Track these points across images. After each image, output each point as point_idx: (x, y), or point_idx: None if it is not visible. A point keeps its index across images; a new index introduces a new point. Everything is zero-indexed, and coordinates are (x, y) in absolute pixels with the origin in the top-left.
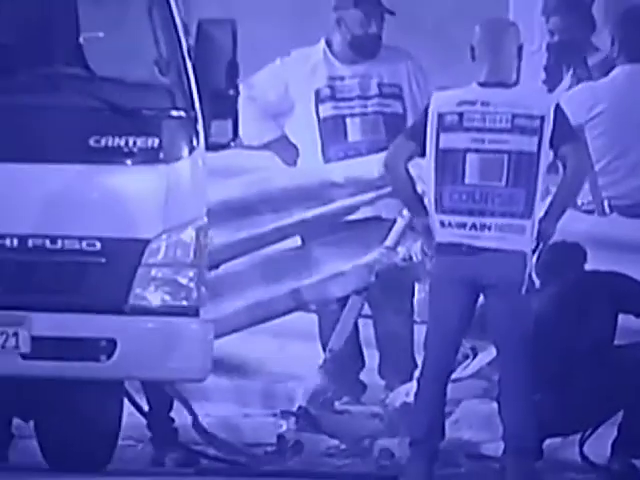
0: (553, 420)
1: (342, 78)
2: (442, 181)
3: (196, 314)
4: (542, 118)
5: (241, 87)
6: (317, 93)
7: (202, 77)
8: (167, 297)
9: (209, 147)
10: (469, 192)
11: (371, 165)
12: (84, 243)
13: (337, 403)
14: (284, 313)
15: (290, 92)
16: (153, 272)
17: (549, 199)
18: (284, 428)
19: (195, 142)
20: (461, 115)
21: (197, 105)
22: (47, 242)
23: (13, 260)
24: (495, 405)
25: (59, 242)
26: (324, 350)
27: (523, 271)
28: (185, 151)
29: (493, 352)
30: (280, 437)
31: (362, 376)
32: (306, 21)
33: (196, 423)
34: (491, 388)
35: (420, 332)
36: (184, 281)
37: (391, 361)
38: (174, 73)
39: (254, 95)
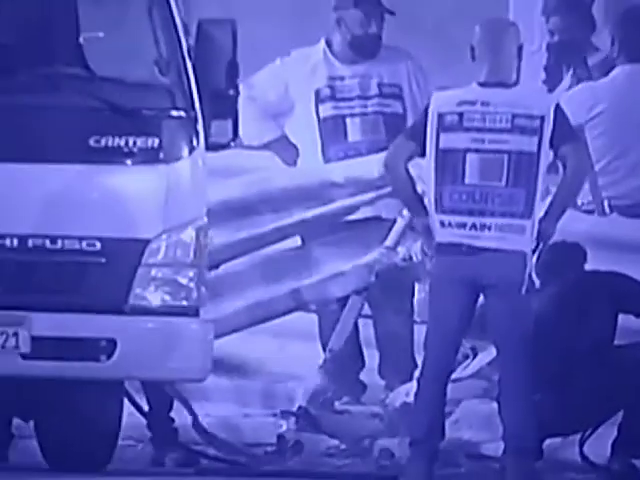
0: (553, 420)
1: (342, 78)
2: (442, 181)
3: (196, 314)
4: (542, 118)
5: (241, 87)
6: (317, 93)
7: (202, 77)
8: (167, 297)
9: (209, 147)
10: (469, 192)
11: (371, 165)
12: (84, 243)
13: (337, 403)
14: (284, 313)
15: (290, 92)
16: (153, 272)
17: (549, 199)
18: (284, 428)
19: (195, 142)
20: (461, 115)
21: (197, 105)
22: (47, 242)
23: (13, 260)
24: (495, 405)
25: (59, 242)
26: (324, 350)
27: (523, 271)
28: (185, 151)
29: (493, 352)
30: (280, 437)
31: (362, 376)
32: (306, 21)
33: (196, 423)
34: (491, 388)
35: (420, 332)
36: (184, 281)
37: (391, 361)
38: (174, 73)
39: (254, 95)
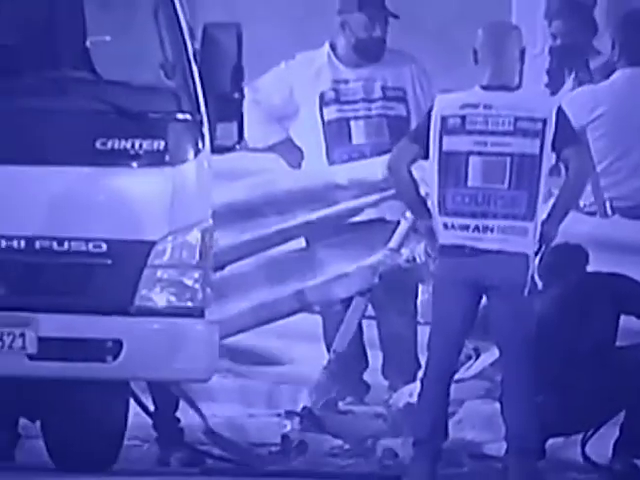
0: (555, 420)
1: (346, 81)
2: (445, 183)
3: (201, 315)
4: (544, 121)
5: (246, 90)
6: (321, 96)
7: (207, 80)
8: (172, 298)
9: (214, 150)
10: (472, 194)
11: (375, 167)
12: (90, 245)
13: (341, 403)
14: (288, 314)
15: (295, 95)
16: (159, 273)
17: (551, 201)
18: (288, 428)
19: (201, 145)
20: (464, 118)
21: (203, 108)
22: (54, 244)
23: (20, 262)
24: (498, 405)
25: (66, 244)
26: (328, 351)
27: (525, 273)
28: (191, 154)
29: (496, 353)
30: (284, 437)
31: (366, 377)
32: (310, 25)
33: (204, 424)
34: (494, 388)
35: (423, 333)
36: (189, 282)
37: (395, 362)
38: (180, 76)
39: (259, 98)
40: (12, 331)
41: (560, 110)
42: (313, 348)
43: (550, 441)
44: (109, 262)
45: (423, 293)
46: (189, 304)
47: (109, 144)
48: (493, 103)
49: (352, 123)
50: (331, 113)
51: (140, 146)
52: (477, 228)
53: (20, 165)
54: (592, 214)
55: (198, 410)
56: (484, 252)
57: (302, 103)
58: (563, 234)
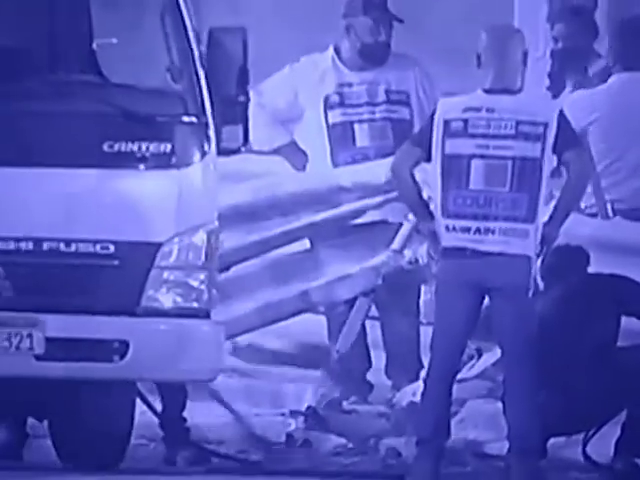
0: (557, 420)
1: (350, 85)
2: (447, 186)
3: (207, 316)
4: (545, 125)
5: (251, 93)
6: (326, 99)
7: (213, 84)
8: (179, 299)
9: (220, 152)
10: (474, 197)
11: (378, 170)
12: (98, 246)
13: (345, 403)
14: (293, 314)
15: (299, 98)
16: (165, 274)
17: (553, 203)
18: (293, 427)
19: (206, 147)
20: (466, 121)
21: (208, 111)
22: (62, 245)
23: (28, 263)
24: (500, 405)
25: (73, 245)
26: (332, 351)
27: (527, 274)
28: (197, 156)
29: (498, 353)
30: (289, 436)
31: (369, 376)
32: (315, 28)
33: (241, 422)
34: (496, 388)
35: (426, 333)
36: (195, 283)
37: (398, 361)
38: (186, 80)
39: (264, 101)
40: (20, 332)
41: (561, 114)
42: (317, 348)
43: (551, 440)
44: (116, 263)
45: (426, 294)
46: (195, 305)
47: (116, 147)
48: (495, 106)
49: (356, 126)
50: (335, 116)
51: (147, 149)
52: (479, 230)
53: (28, 167)
54: (593, 216)
55: (235, 412)
56: (486, 254)
57: (307, 106)
58: (565, 236)
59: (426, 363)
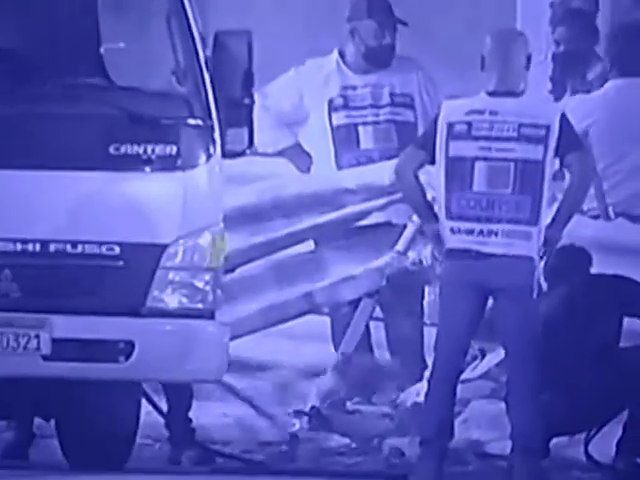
0: (559, 420)
1: (354, 87)
2: (451, 188)
3: (212, 317)
4: (548, 127)
5: (256, 96)
6: (330, 102)
7: (219, 87)
8: (184, 300)
9: (225, 154)
10: (477, 199)
11: (382, 172)
12: (104, 248)
13: (348, 403)
14: (297, 316)
15: (304, 101)
16: (170, 275)
17: (556, 206)
18: (297, 427)
19: (212, 150)
20: (470, 124)
21: (214, 114)
22: (68, 247)
23: (35, 264)
24: (503, 405)
25: (79, 247)
26: (336, 352)
27: (531, 275)
28: (202, 158)
29: (501, 354)
30: (293, 436)
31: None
32: (320, 32)
33: (274, 423)
34: (499, 389)
35: (430, 334)
36: (200, 284)
37: (402, 362)
38: (192, 83)
39: (269, 104)
40: (27, 332)
41: (563, 116)
42: (321, 349)
43: (554, 440)
44: (122, 264)
45: (429, 295)
46: (200, 306)
47: (122, 149)
48: (499, 109)
49: (360, 128)
50: (340, 119)
51: (153, 151)
52: (482, 232)
53: (34, 170)
54: (596, 217)
55: (267, 415)
56: (489, 256)
57: (311, 109)
58: (567, 237)
59: (430, 364)
